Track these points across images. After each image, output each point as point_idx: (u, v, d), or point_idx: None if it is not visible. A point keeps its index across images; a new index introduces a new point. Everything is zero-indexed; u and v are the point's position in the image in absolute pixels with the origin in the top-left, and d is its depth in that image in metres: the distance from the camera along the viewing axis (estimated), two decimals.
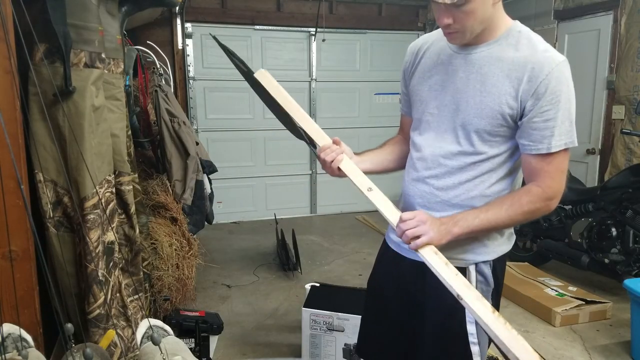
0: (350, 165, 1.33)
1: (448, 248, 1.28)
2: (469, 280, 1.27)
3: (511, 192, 1.25)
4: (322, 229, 5.02)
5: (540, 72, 1.13)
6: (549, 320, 2.94)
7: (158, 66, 3.54)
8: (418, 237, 1.16)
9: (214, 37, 1.51)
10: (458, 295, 1.10)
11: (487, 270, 1.29)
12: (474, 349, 1.26)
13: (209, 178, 3.42)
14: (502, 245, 1.31)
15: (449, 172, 1.27)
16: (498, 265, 1.31)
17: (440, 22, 1.17)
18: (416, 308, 1.33)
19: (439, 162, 1.28)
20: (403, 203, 1.42)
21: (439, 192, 1.29)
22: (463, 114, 1.23)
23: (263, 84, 1.42)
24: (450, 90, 1.25)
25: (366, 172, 1.37)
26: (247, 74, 1.45)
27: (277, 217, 4.69)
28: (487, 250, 1.28)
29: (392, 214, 1.24)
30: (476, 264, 1.28)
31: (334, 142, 1.36)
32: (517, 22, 1.23)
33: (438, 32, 1.35)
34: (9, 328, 1.12)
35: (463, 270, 1.27)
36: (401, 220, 1.20)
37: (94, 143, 1.71)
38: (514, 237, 1.36)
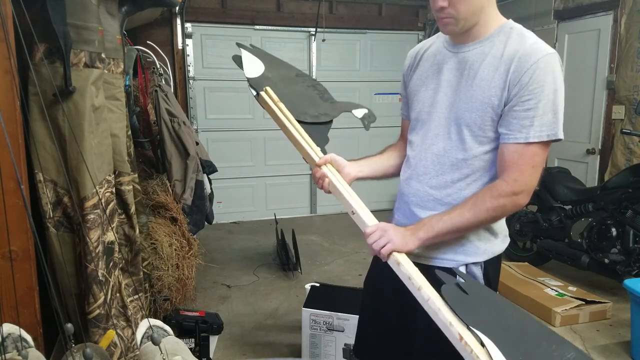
0: (336, 189, 1.32)
1: (438, 249, 1.29)
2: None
3: (475, 192, 1.23)
4: (322, 229, 5.02)
5: (526, 62, 1.13)
6: (549, 320, 2.94)
7: (158, 66, 3.54)
8: (384, 246, 1.19)
9: (238, 49, 1.54)
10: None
11: (478, 272, 1.28)
12: None
13: (209, 178, 3.42)
14: (495, 246, 1.31)
15: (441, 170, 1.28)
16: (490, 267, 1.30)
17: (435, 5, 1.18)
18: (409, 309, 1.33)
19: (431, 160, 1.29)
20: (398, 202, 1.42)
21: (431, 190, 1.30)
22: (455, 109, 1.24)
23: (264, 108, 1.46)
24: (444, 88, 1.27)
25: (365, 179, 1.41)
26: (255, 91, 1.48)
27: (277, 217, 4.69)
28: (477, 251, 1.28)
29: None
30: (466, 265, 1.28)
31: (318, 165, 1.36)
32: (510, 21, 1.24)
33: (436, 37, 1.38)
34: (9, 328, 1.12)
35: (453, 271, 1.27)
36: (366, 236, 1.22)
37: (94, 143, 1.71)
38: (508, 239, 1.36)
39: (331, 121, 1.47)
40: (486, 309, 1.06)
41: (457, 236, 1.25)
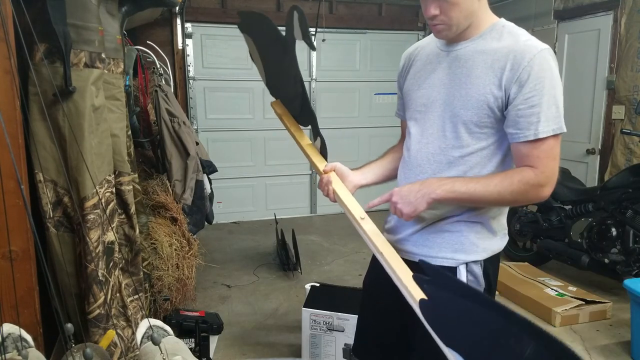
0: (338, 196, 1.35)
1: (438, 247, 1.29)
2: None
3: (503, 171, 1.24)
4: (322, 229, 5.02)
5: (522, 59, 1.14)
6: (549, 320, 2.94)
7: (158, 66, 3.54)
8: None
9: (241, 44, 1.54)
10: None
11: (478, 270, 1.29)
12: None
13: (209, 178, 3.42)
14: (494, 244, 1.31)
15: (438, 169, 1.28)
16: (490, 265, 1.31)
17: (427, 13, 1.20)
18: (409, 307, 1.33)
19: (427, 158, 1.30)
20: None
21: None
22: (450, 107, 1.25)
23: (278, 111, 1.55)
24: (438, 87, 1.28)
25: (369, 185, 1.44)
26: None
27: (277, 217, 4.69)
28: (477, 249, 1.28)
29: (381, 243, 1.24)
30: (467, 264, 1.28)
31: (325, 171, 1.39)
32: (502, 19, 1.26)
33: (429, 38, 1.40)
34: (9, 328, 1.12)
35: (453, 270, 1.28)
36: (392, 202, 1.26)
37: (94, 143, 1.71)
38: (507, 237, 1.36)
39: (302, 85, 1.43)
40: (453, 315, 1.05)
41: (469, 205, 1.25)
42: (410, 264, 1.20)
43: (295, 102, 1.47)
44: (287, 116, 1.53)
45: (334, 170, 1.40)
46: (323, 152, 1.46)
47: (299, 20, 1.25)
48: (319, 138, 1.45)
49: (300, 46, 1.32)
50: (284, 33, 1.34)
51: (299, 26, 1.26)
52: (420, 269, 1.12)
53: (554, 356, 0.85)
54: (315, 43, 5.24)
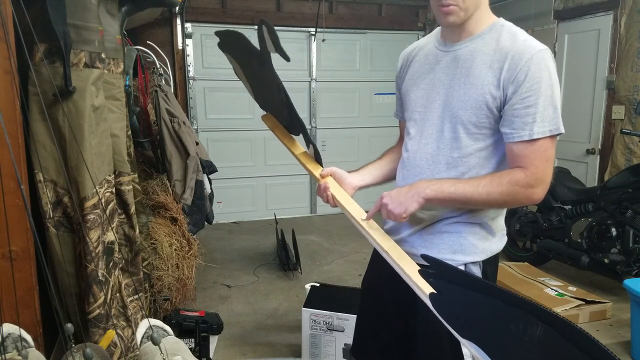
0: (337, 200, 1.35)
1: (437, 249, 1.29)
2: None
3: (494, 172, 1.24)
4: (322, 229, 5.02)
5: (520, 59, 1.14)
6: None
7: (158, 66, 3.54)
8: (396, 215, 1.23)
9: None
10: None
11: (477, 271, 1.29)
12: (466, 351, 1.25)
13: (209, 178, 3.42)
14: (493, 245, 1.31)
15: (437, 170, 1.28)
16: (488, 266, 1.31)
17: None
18: (409, 308, 1.33)
19: (426, 160, 1.30)
20: None
21: None
22: (449, 108, 1.24)
23: (268, 124, 1.58)
24: (437, 87, 1.28)
25: (368, 186, 1.45)
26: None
27: (277, 217, 4.69)
28: (476, 250, 1.28)
29: (386, 242, 1.26)
30: (465, 265, 1.28)
31: (322, 176, 1.39)
32: (501, 19, 1.26)
33: (427, 38, 1.40)
34: (9, 328, 1.12)
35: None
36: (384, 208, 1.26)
37: (94, 143, 1.71)
38: (506, 237, 1.36)
39: (286, 95, 1.42)
40: (462, 306, 1.07)
41: (460, 207, 1.25)
42: None
43: (284, 112, 1.48)
44: (278, 128, 1.54)
45: (330, 175, 1.40)
46: (317, 159, 1.46)
47: (269, 34, 1.26)
48: (311, 146, 1.45)
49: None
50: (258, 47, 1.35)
51: (270, 39, 1.27)
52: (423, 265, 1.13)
53: (561, 333, 0.89)
54: (315, 43, 5.26)
